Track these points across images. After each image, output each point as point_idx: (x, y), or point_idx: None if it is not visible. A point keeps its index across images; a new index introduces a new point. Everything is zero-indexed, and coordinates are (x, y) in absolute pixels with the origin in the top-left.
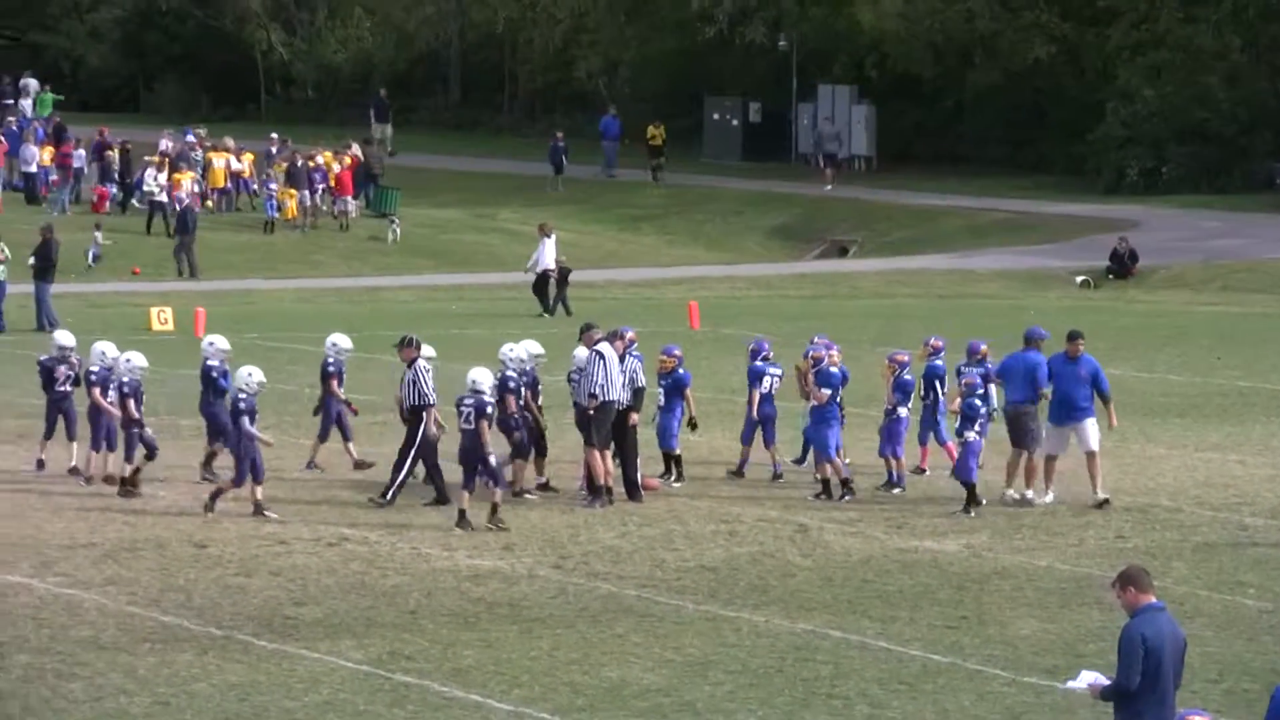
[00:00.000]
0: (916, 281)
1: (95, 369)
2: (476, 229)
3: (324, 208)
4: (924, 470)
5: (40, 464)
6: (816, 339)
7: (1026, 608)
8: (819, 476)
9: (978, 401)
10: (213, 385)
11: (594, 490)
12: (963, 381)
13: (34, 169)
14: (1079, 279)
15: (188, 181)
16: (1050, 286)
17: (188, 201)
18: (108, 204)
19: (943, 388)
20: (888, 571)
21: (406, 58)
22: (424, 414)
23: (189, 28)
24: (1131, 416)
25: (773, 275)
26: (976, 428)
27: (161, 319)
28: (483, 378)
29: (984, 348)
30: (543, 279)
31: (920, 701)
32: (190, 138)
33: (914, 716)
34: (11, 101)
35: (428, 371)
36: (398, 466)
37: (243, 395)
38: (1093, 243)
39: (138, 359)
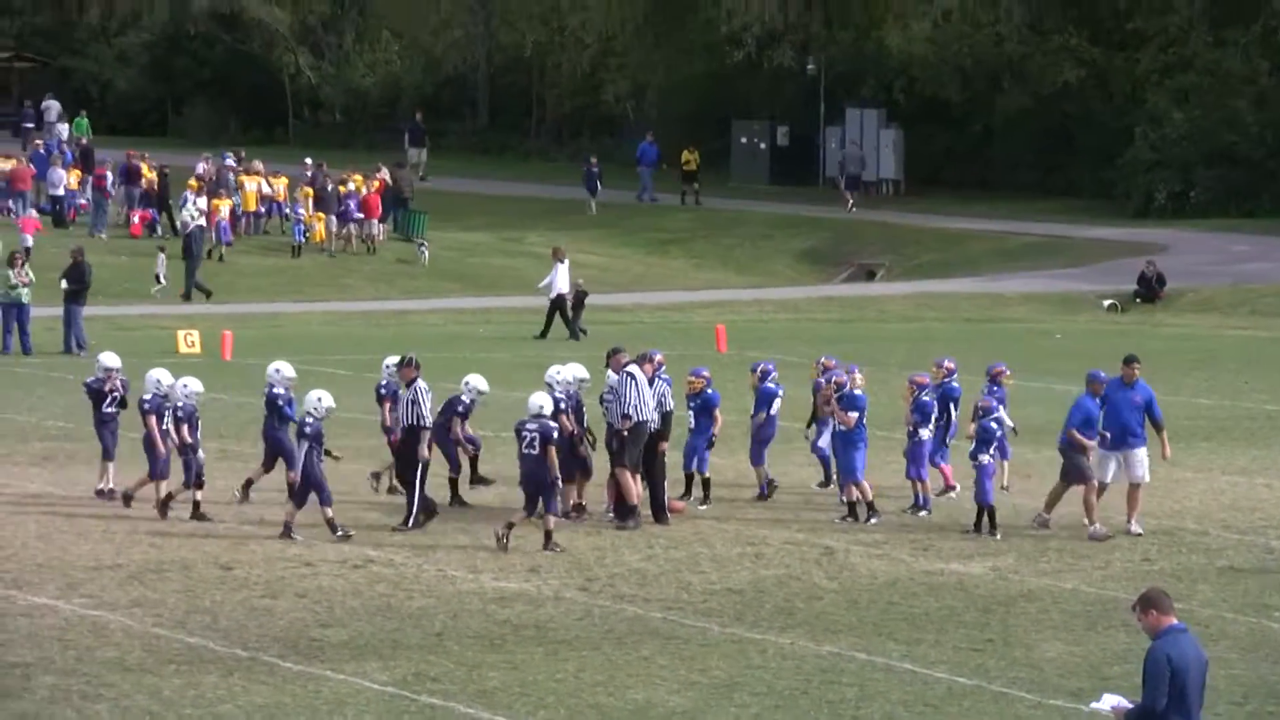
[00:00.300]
0: (944, 305)
1: (149, 396)
2: (504, 252)
3: (354, 231)
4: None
5: (100, 492)
6: (823, 360)
7: (1052, 630)
8: (845, 499)
9: (993, 425)
10: (278, 413)
11: (624, 511)
12: (977, 404)
13: (61, 192)
14: (1106, 303)
15: (225, 208)
16: (1078, 310)
17: (192, 226)
18: (144, 228)
19: (956, 410)
20: (913, 594)
21: (434, 81)
22: (420, 434)
23: (217, 52)
24: (1158, 439)
25: (800, 299)
26: (991, 450)
27: (189, 342)
28: (545, 402)
29: (1000, 368)
30: (559, 303)
31: None
32: (229, 160)
33: None
34: (31, 125)
35: (427, 393)
36: (409, 493)
37: (310, 420)
38: (1121, 266)
39: (194, 384)
